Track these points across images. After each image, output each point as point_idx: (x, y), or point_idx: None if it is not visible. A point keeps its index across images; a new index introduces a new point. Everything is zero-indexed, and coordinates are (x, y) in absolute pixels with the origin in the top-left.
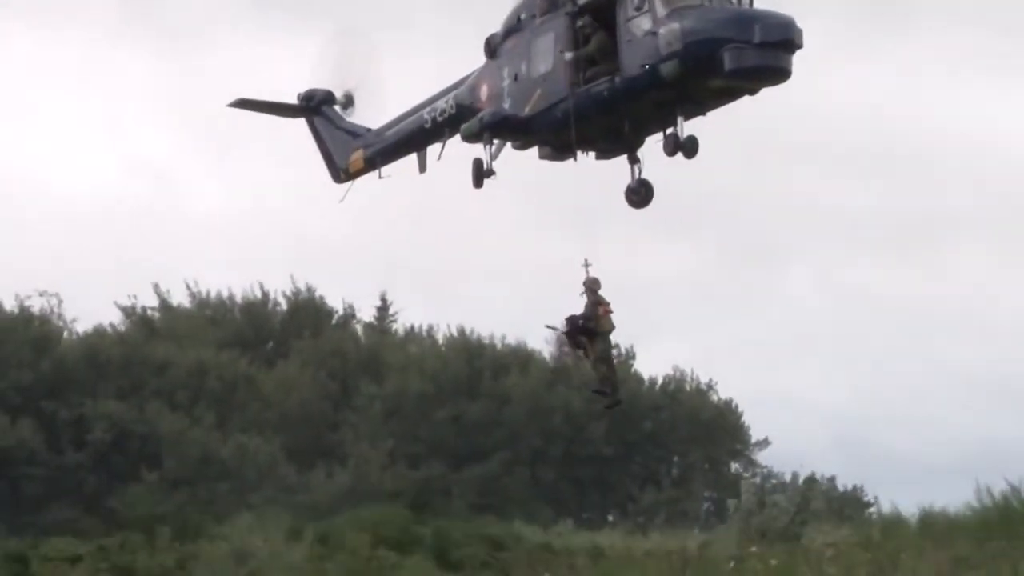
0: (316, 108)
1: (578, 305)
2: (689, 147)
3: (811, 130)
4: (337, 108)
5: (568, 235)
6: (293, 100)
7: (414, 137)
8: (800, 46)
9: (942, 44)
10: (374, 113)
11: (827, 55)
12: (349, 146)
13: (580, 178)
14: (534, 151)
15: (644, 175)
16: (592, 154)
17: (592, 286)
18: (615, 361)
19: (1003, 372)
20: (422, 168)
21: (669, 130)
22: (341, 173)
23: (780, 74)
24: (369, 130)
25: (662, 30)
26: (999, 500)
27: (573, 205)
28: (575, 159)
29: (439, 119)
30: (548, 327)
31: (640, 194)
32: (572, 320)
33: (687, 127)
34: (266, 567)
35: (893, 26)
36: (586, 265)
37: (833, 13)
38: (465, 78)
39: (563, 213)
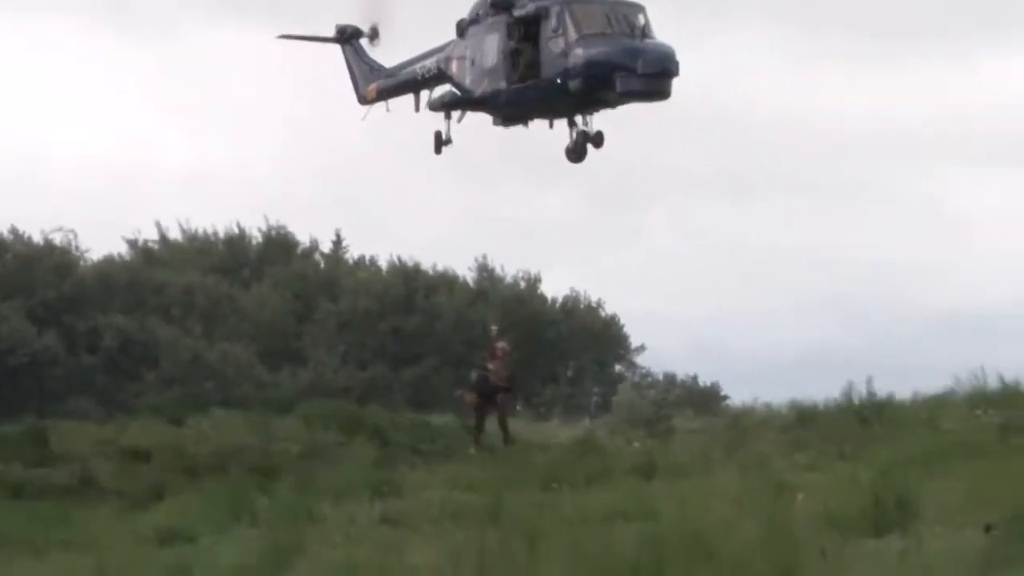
0: (348, 39)
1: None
2: (596, 140)
3: (665, 105)
4: (364, 42)
5: (487, 183)
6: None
7: (409, 84)
8: (677, 74)
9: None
10: (399, 46)
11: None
12: (368, 78)
13: (506, 138)
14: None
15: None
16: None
17: (503, 356)
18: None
19: (830, 293)
20: (416, 107)
21: (579, 124)
22: (362, 98)
23: (660, 95)
24: (383, 68)
25: (570, 53)
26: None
27: (497, 161)
28: (525, 125)
29: (426, 76)
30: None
31: (577, 153)
32: (487, 387)
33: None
34: (236, 443)
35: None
36: (494, 335)
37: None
38: (447, 44)
39: (487, 167)
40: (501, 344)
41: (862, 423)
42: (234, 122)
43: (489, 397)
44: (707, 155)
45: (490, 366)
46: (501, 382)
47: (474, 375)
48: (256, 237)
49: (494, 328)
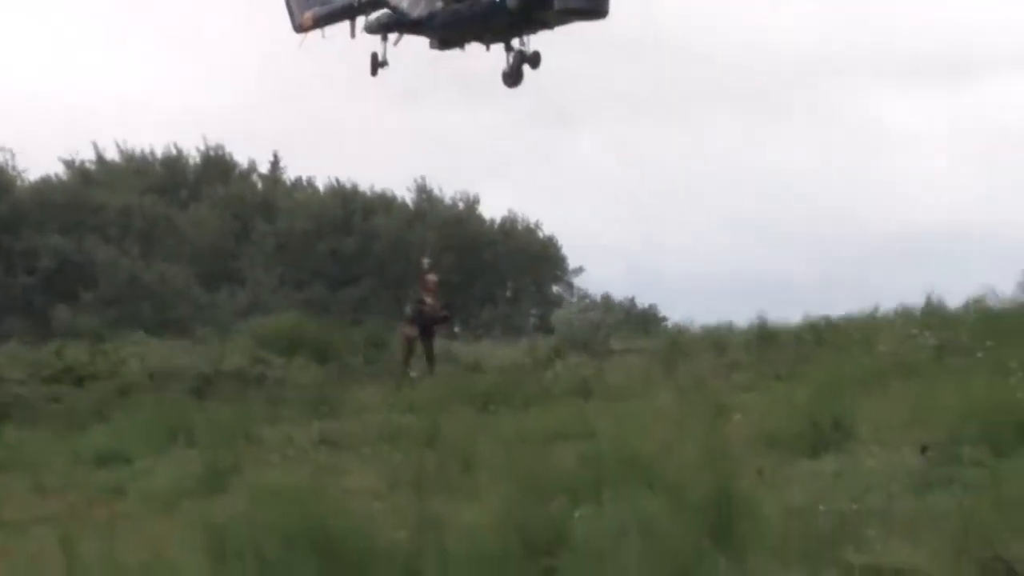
0: None
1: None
2: (533, 60)
3: (596, 26)
4: None
5: (423, 106)
6: None
7: (345, 11)
8: None
9: None
10: None
11: None
12: (303, 6)
13: (440, 61)
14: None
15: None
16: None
17: (434, 288)
18: None
19: (767, 214)
20: (352, 34)
21: (516, 45)
22: (298, 27)
23: (598, 14)
24: None
25: None
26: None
27: (433, 84)
28: (462, 49)
29: (362, 1)
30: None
31: (514, 77)
32: (425, 319)
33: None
34: (173, 363)
35: None
36: (426, 268)
37: None
38: None
39: (424, 89)
40: (431, 277)
41: (798, 343)
42: (172, 45)
43: (427, 329)
44: (643, 74)
45: (427, 300)
46: (437, 313)
47: (409, 309)
48: (194, 157)
49: (426, 261)
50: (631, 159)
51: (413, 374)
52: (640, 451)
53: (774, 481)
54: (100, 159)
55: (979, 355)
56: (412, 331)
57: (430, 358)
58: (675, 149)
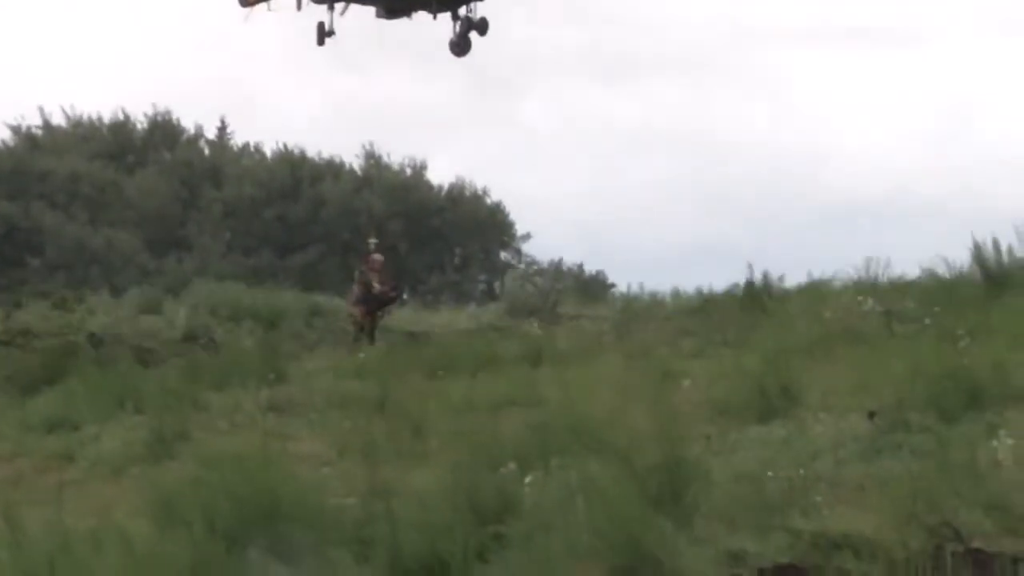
0: None
1: None
2: (481, 27)
3: None
4: None
5: (370, 73)
6: None
7: None
8: None
9: None
10: None
11: None
12: None
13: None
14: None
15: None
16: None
17: (380, 268)
18: None
19: (713, 180)
20: (298, 6)
21: (463, 12)
22: (243, 1)
23: None
24: None
25: None
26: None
27: (380, 51)
28: (409, 17)
29: None
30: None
31: (461, 46)
32: (373, 300)
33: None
34: (121, 329)
35: None
36: (371, 248)
37: None
38: None
39: (371, 57)
40: (377, 256)
41: (746, 311)
42: (119, 10)
43: (376, 309)
44: (590, 41)
45: (375, 284)
46: (387, 295)
47: (356, 290)
48: (141, 123)
49: (372, 242)
50: (579, 126)
51: (364, 341)
52: (589, 417)
53: (722, 447)
54: (47, 124)
55: (926, 321)
56: (361, 311)
57: (371, 334)
58: (622, 115)
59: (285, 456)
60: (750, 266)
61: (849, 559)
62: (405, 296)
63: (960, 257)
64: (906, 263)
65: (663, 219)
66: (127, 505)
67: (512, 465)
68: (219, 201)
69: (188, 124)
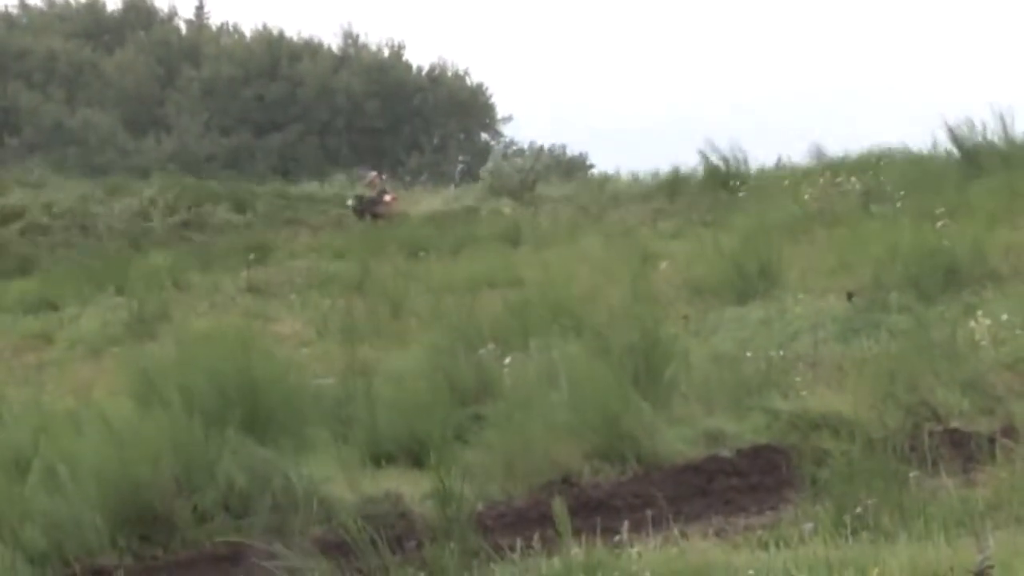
0: None
1: None
2: None
3: None
4: None
5: None
6: None
7: None
8: None
9: None
10: None
11: None
12: None
13: None
14: None
15: None
16: None
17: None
18: None
19: (695, 60)
20: None
21: None
22: None
23: None
24: None
25: None
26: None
27: None
28: None
29: None
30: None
31: None
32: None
33: None
34: (100, 211)
35: None
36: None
37: None
38: None
39: None
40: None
41: (725, 191)
42: None
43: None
44: None
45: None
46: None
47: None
48: (116, 2)
49: (349, 202)
50: (562, 6)
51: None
52: (567, 298)
53: (700, 328)
54: (23, 3)
55: (898, 205)
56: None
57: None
58: None
59: (265, 336)
60: (730, 147)
61: (827, 439)
62: (384, 176)
63: (937, 138)
64: (880, 143)
65: (645, 100)
66: (106, 385)
67: (491, 346)
68: (197, 81)
69: (163, 5)
